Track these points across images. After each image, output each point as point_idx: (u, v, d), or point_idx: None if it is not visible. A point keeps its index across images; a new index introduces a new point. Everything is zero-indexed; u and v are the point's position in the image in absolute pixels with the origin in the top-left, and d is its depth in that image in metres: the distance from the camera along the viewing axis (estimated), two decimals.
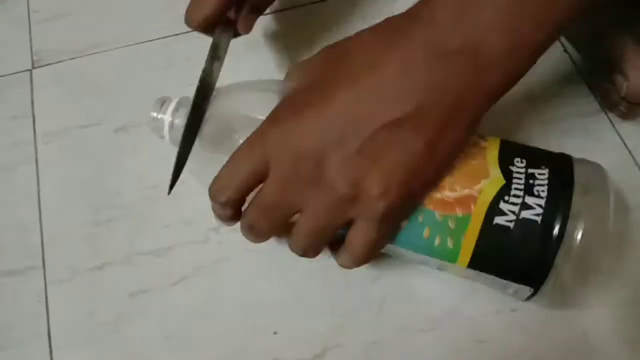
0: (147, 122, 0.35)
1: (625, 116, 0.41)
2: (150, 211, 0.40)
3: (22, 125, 0.44)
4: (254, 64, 0.45)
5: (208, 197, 0.29)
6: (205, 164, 0.32)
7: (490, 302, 0.36)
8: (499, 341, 0.35)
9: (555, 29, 0.27)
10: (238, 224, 0.30)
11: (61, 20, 0.49)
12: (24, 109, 0.45)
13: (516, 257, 0.29)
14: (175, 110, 0.34)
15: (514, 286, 0.31)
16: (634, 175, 0.40)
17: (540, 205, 0.29)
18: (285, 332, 0.36)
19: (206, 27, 0.35)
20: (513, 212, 0.29)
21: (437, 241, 0.30)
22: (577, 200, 0.29)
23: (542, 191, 0.29)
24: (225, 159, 0.29)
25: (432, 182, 0.29)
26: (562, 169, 0.30)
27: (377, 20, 0.29)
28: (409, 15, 0.28)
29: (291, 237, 0.29)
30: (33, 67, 0.47)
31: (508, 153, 0.30)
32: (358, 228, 0.28)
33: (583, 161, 0.31)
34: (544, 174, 0.29)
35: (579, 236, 0.28)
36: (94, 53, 0.47)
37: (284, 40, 0.47)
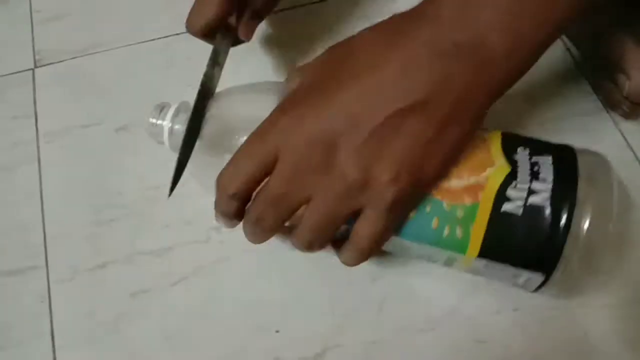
0: (145, 128, 0.35)
1: (627, 115, 0.41)
2: (151, 211, 0.40)
3: (23, 125, 0.44)
4: (253, 65, 0.45)
5: (208, 198, 0.29)
6: (205, 167, 0.32)
7: (490, 302, 0.36)
8: (499, 341, 0.35)
9: (556, 29, 0.27)
10: (238, 225, 0.30)
11: (63, 20, 0.50)
12: (25, 109, 0.45)
13: (526, 243, 0.29)
14: (175, 115, 0.34)
15: (524, 275, 0.30)
16: (637, 174, 0.40)
17: (547, 190, 0.29)
18: (286, 332, 0.36)
19: (207, 34, 0.35)
20: (520, 199, 0.29)
21: (446, 231, 0.29)
22: (583, 187, 0.29)
23: (548, 176, 0.29)
24: (225, 161, 0.29)
25: (440, 171, 0.29)
26: (565, 156, 0.30)
27: (378, 20, 0.29)
28: (414, 13, 0.28)
29: (296, 230, 0.29)
30: (35, 67, 0.47)
31: (511, 143, 0.30)
32: (366, 217, 0.28)
33: (585, 150, 0.31)
34: (548, 160, 0.30)
35: (587, 222, 0.28)
36: (95, 52, 0.48)
37: (284, 40, 0.47)
